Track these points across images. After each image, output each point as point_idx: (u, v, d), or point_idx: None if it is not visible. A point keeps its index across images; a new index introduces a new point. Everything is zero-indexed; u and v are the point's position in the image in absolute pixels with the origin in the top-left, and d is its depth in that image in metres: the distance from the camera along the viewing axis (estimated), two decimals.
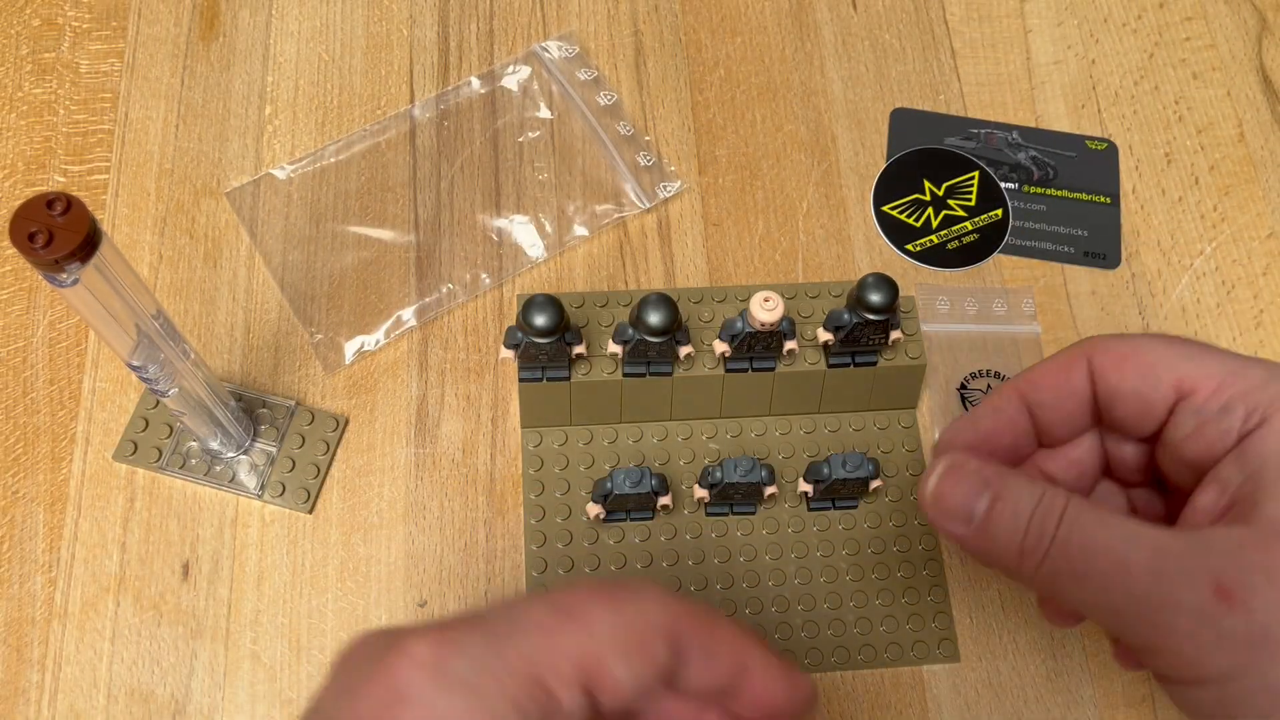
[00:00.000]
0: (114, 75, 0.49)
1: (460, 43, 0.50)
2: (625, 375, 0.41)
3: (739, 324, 0.39)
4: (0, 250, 0.45)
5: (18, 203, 0.45)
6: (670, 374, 0.41)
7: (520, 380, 0.41)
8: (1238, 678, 0.27)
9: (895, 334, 0.40)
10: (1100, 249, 0.48)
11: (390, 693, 0.22)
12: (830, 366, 0.41)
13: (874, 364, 0.42)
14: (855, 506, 0.42)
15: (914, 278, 0.47)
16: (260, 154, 0.47)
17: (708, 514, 0.42)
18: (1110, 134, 0.50)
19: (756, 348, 0.40)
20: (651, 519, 0.42)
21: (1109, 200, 0.49)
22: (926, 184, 0.49)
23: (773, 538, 0.42)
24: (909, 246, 0.48)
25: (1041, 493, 0.30)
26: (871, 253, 0.47)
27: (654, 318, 0.38)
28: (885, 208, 0.48)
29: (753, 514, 0.42)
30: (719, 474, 0.39)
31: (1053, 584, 0.29)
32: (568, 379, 0.40)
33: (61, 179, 0.46)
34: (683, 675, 0.25)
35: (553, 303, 0.37)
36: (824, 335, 0.40)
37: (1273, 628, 0.26)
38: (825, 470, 0.40)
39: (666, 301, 0.38)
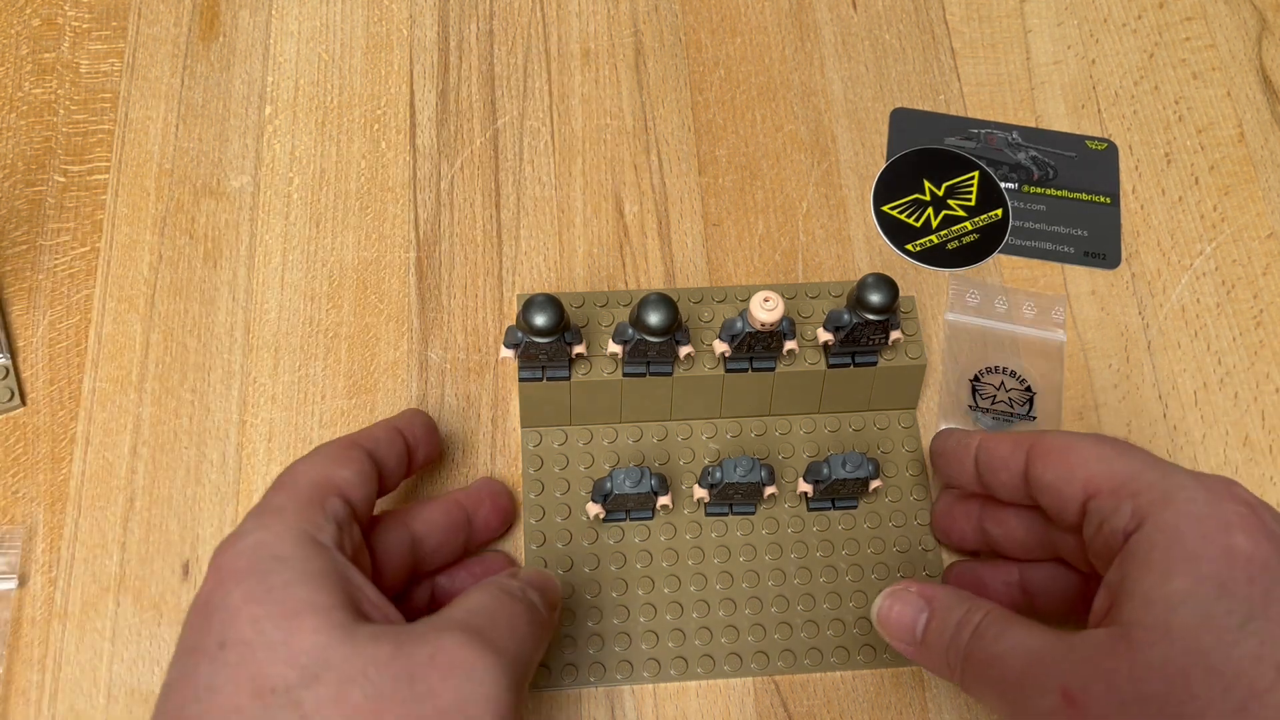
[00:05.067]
0: (114, 75, 0.49)
1: (460, 43, 0.50)
2: (625, 375, 0.41)
3: (739, 324, 0.39)
4: (0, 251, 0.45)
5: (19, 203, 0.46)
6: (670, 374, 0.41)
7: (520, 380, 0.40)
8: None
9: (895, 334, 0.40)
10: (1100, 249, 0.48)
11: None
12: (830, 367, 0.41)
13: (874, 364, 0.42)
14: (855, 506, 0.42)
15: (914, 278, 0.47)
16: (260, 154, 0.47)
17: (707, 514, 0.42)
18: (1110, 134, 0.50)
19: (756, 348, 0.40)
20: (651, 519, 0.42)
21: (1109, 200, 0.49)
22: (926, 184, 0.49)
23: (772, 537, 0.42)
24: (909, 246, 0.48)
25: (967, 608, 0.33)
26: (871, 253, 0.47)
27: (654, 318, 0.38)
28: (885, 208, 0.48)
29: (752, 514, 0.42)
30: (719, 474, 0.39)
31: (973, 692, 0.32)
32: (568, 379, 0.40)
33: (61, 179, 0.46)
34: (383, 468, 0.36)
35: (552, 302, 0.37)
36: (824, 335, 0.40)
37: None
38: (825, 470, 0.40)
39: (666, 301, 0.38)
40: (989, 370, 0.45)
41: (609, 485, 0.39)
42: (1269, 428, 0.45)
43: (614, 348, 0.40)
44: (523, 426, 0.42)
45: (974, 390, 0.45)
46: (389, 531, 0.36)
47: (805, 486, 0.41)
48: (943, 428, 0.43)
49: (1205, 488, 0.30)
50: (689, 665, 0.40)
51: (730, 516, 0.42)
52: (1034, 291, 0.47)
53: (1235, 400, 0.45)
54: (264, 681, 0.28)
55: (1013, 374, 0.45)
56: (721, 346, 0.40)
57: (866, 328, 0.39)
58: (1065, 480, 0.33)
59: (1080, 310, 0.47)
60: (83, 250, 0.45)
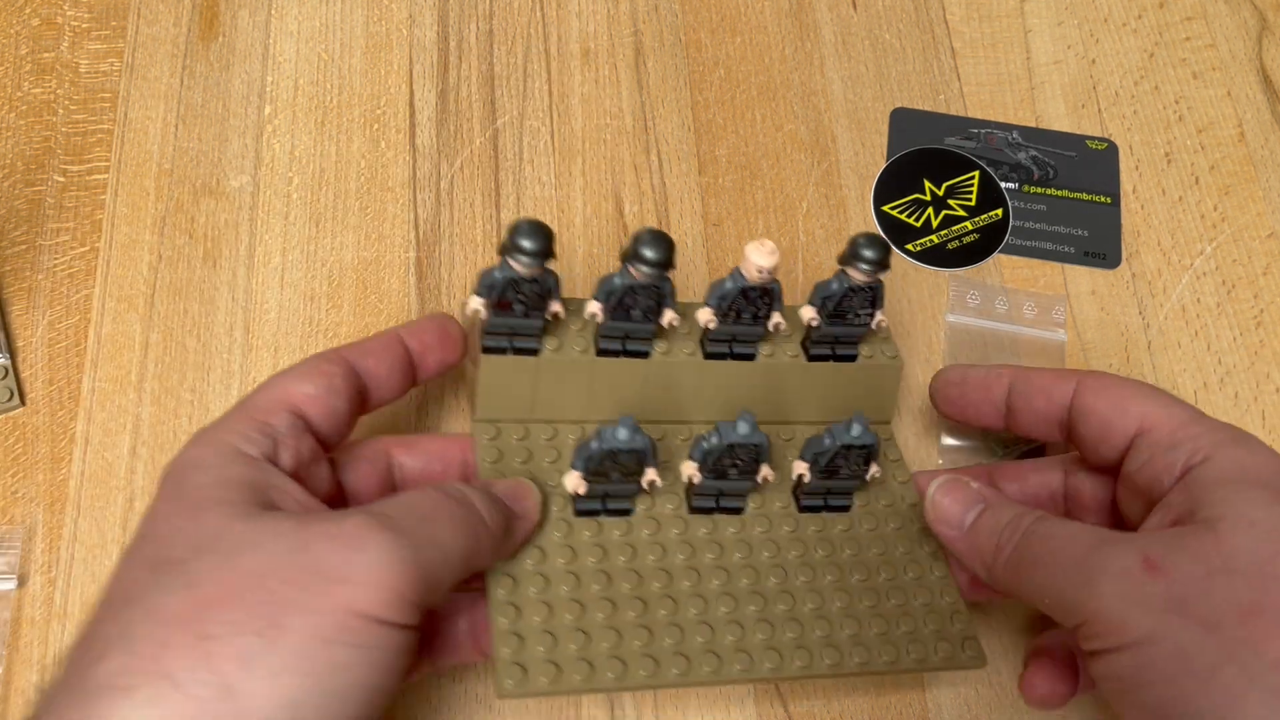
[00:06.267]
0: (114, 75, 0.49)
1: (460, 43, 0.50)
2: (599, 352, 0.38)
3: (728, 284, 0.37)
4: (0, 251, 0.45)
5: (18, 203, 0.46)
6: (647, 354, 0.39)
7: (484, 350, 0.37)
8: (1154, 641, 0.29)
9: (880, 315, 0.39)
10: (1100, 249, 0.48)
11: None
12: (811, 358, 0.40)
13: (854, 358, 0.40)
14: (848, 509, 0.40)
15: (914, 278, 0.47)
16: (260, 154, 0.47)
17: (692, 510, 0.39)
18: (1110, 134, 0.50)
19: (744, 315, 0.38)
20: (630, 514, 0.38)
21: (1109, 200, 0.49)
22: (926, 184, 0.49)
23: (766, 535, 0.39)
24: (909, 246, 0.48)
25: (1023, 509, 0.35)
26: None
27: (650, 251, 0.36)
28: (885, 208, 0.48)
29: (741, 512, 0.39)
30: (715, 439, 0.36)
31: (1015, 572, 0.34)
32: (537, 351, 0.38)
33: (61, 179, 0.46)
34: (371, 381, 0.36)
35: (543, 226, 0.35)
36: (808, 313, 0.39)
37: (1189, 598, 0.29)
38: (827, 441, 0.37)
39: (664, 237, 0.36)
40: None
41: (595, 446, 0.35)
42: (1269, 428, 0.45)
43: (593, 307, 0.37)
44: (475, 419, 0.38)
45: None
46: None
47: (802, 468, 0.38)
48: (945, 366, 0.43)
49: (1258, 441, 0.33)
50: (691, 664, 0.36)
51: (717, 514, 0.39)
52: (1034, 291, 0.47)
53: (1235, 400, 0.45)
54: (160, 558, 0.30)
55: None
56: (706, 315, 0.38)
57: (855, 297, 0.38)
58: (1118, 411, 0.35)
59: (1080, 310, 0.47)
60: (82, 250, 0.45)
